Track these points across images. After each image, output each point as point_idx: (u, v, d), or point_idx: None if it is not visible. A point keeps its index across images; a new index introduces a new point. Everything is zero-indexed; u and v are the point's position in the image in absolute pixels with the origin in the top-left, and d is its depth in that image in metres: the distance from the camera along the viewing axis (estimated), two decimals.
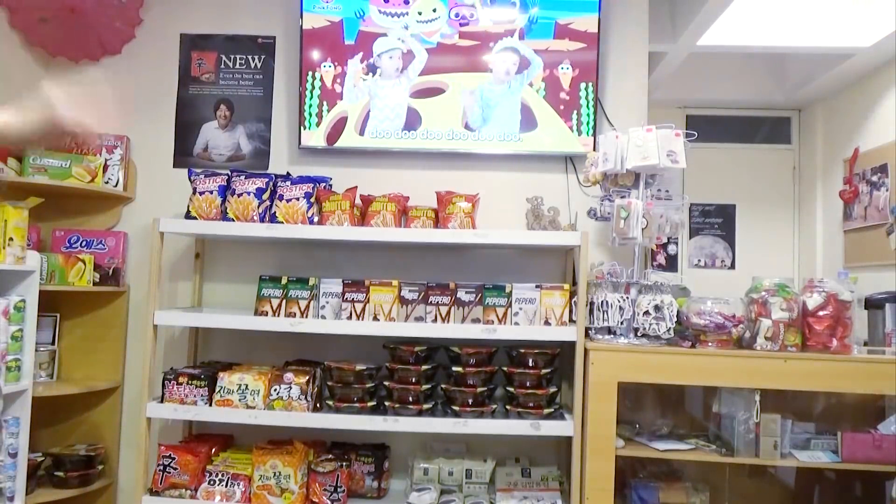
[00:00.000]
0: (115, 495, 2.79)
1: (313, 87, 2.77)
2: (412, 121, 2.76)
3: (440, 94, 2.76)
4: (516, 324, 2.39)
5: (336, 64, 2.77)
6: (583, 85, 2.74)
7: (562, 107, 2.75)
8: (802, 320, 2.27)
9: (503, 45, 2.75)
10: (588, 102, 2.74)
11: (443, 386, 2.46)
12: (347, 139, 2.77)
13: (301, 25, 2.76)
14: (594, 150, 2.64)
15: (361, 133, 2.77)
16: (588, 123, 2.74)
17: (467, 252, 2.79)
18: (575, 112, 2.74)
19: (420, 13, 2.75)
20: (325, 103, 2.77)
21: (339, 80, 2.77)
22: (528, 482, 2.52)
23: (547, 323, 2.39)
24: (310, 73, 2.76)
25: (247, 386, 2.39)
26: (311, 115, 2.77)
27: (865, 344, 2.54)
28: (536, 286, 2.42)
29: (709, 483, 2.52)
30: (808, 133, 4.45)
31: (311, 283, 2.44)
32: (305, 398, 2.38)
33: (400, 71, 2.76)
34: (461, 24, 2.75)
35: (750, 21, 3.44)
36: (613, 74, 2.84)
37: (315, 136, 2.77)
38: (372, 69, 2.77)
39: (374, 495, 2.53)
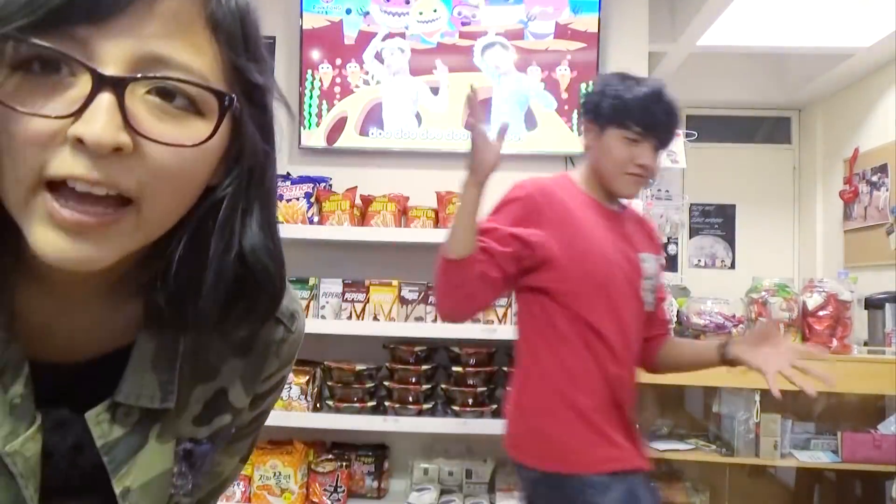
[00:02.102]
0: None
1: (313, 87, 2.77)
2: (412, 121, 2.76)
3: (440, 93, 2.76)
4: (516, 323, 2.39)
5: (335, 64, 2.77)
6: (583, 85, 2.74)
7: (563, 106, 2.75)
8: (802, 320, 2.27)
9: (502, 44, 2.75)
10: None
11: (443, 386, 2.46)
12: (347, 139, 2.77)
13: (301, 25, 2.76)
14: None
15: (361, 133, 2.77)
16: None
17: None
18: (575, 112, 2.74)
19: (421, 13, 2.75)
20: (324, 103, 2.77)
21: (338, 80, 2.77)
22: None
23: None
24: (309, 72, 2.76)
25: None
26: (310, 114, 2.77)
27: (865, 344, 2.55)
28: None
29: (709, 483, 2.52)
30: (808, 133, 4.44)
31: (311, 283, 2.44)
32: (305, 398, 2.38)
33: (402, 69, 2.76)
34: (463, 24, 2.75)
35: (750, 21, 3.44)
36: None
37: (315, 136, 2.77)
38: (375, 63, 2.76)
39: (374, 495, 2.52)
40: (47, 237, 0.43)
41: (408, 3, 2.76)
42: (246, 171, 0.51)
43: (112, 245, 0.45)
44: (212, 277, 0.50)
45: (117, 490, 0.53)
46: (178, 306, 0.51)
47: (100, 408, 0.53)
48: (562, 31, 2.75)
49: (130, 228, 0.45)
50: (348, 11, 2.76)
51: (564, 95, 2.75)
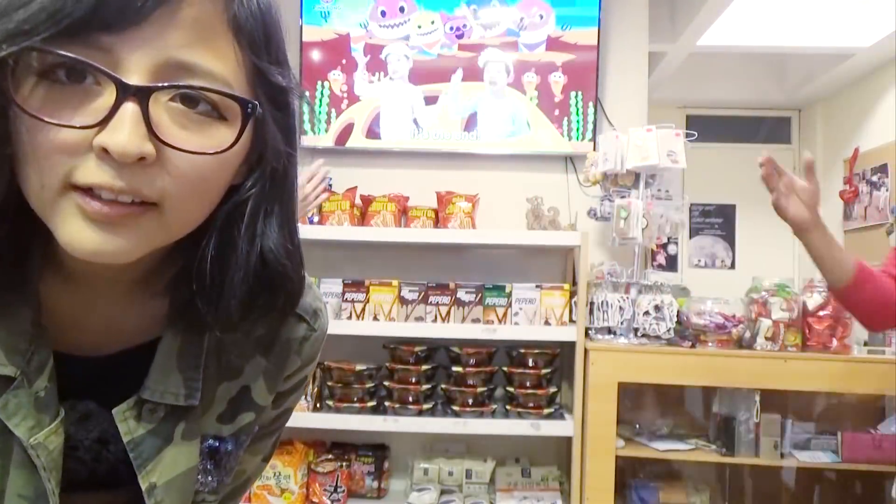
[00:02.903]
0: None
1: (322, 96, 2.79)
2: (414, 126, 2.79)
3: (440, 101, 2.78)
4: (516, 324, 2.39)
5: (343, 73, 2.80)
6: (572, 94, 2.76)
7: (553, 114, 2.77)
8: (802, 320, 2.27)
9: (497, 57, 2.77)
10: (578, 110, 2.76)
11: (443, 386, 2.46)
12: (354, 143, 2.80)
13: (301, 38, 2.78)
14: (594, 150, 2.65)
15: (367, 137, 2.80)
16: (578, 129, 2.76)
17: (467, 252, 2.79)
18: (565, 119, 2.76)
19: (419, 27, 2.78)
20: (333, 111, 2.80)
21: (345, 89, 2.80)
22: (528, 482, 2.52)
23: (547, 323, 2.39)
24: (319, 81, 2.79)
25: None
26: (320, 121, 2.80)
27: (865, 344, 2.54)
28: (536, 286, 2.42)
29: (709, 483, 2.52)
30: (808, 133, 4.45)
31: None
32: (305, 398, 2.38)
33: (405, 75, 2.77)
34: (458, 37, 2.78)
35: (750, 21, 3.44)
36: (613, 74, 2.84)
37: (323, 142, 2.82)
38: (378, 73, 2.79)
39: (374, 495, 2.53)
40: (77, 231, 0.44)
41: (402, 11, 2.78)
42: (268, 172, 0.52)
43: (138, 240, 0.46)
44: (237, 276, 0.51)
45: (143, 486, 0.54)
46: (203, 303, 0.52)
47: (126, 404, 0.54)
48: (553, 44, 2.77)
49: (154, 227, 0.46)
50: (353, 24, 2.80)
51: (557, 101, 2.76)
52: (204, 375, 0.57)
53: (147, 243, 0.47)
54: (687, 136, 2.41)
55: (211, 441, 0.59)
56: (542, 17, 2.76)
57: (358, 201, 2.57)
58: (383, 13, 2.79)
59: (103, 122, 0.42)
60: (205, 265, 0.51)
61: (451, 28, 2.78)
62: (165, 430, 0.55)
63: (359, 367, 2.42)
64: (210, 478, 0.59)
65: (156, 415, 0.54)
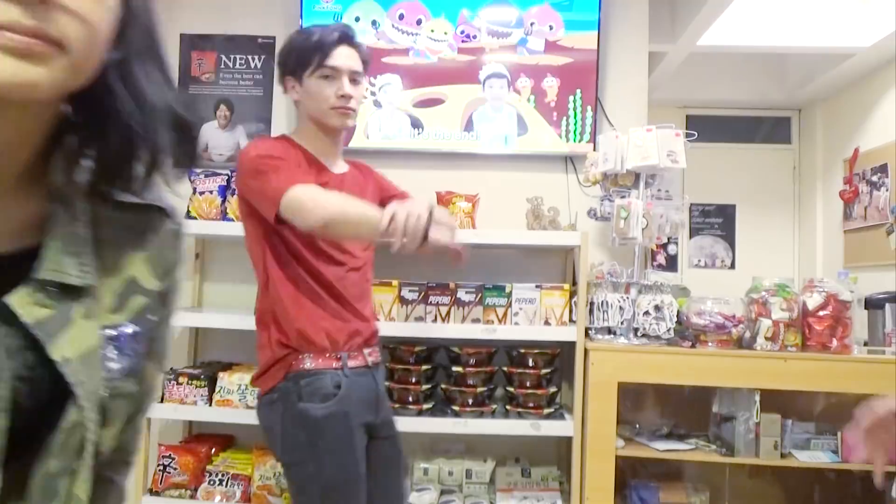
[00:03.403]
0: None
1: None
2: (414, 126, 2.79)
3: (440, 104, 2.78)
4: (516, 324, 2.39)
5: None
6: (570, 97, 2.76)
7: (551, 116, 2.78)
8: (802, 320, 2.27)
9: (495, 68, 2.79)
10: (576, 112, 2.76)
11: (443, 386, 2.46)
12: (355, 143, 2.80)
13: (301, 26, 2.77)
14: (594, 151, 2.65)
15: (368, 138, 2.80)
16: (576, 131, 2.76)
17: (467, 252, 2.79)
18: (563, 119, 2.77)
19: (432, 31, 2.80)
20: None
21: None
22: (528, 482, 2.52)
23: (547, 323, 2.39)
24: None
25: (247, 386, 2.39)
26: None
27: (865, 344, 2.54)
28: (536, 286, 2.42)
29: (709, 483, 2.52)
30: (808, 133, 4.44)
31: None
32: None
33: (401, 71, 2.78)
34: (463, 41, 2.79)
35: (750, 21, 3.44)
36: (613, 74, 2.84)
37: None
38: (380, 74, 2.80)
39: None
40: None
41: (419, 23, 2.80)
42: (142, 30, 0.58)
43: (49, 74, 0.50)
44: (138, 122, 0.57)
45: (57, 358, 0.53)
46: (108, 167, 0.57)
47: (22, 289, 0.53)
48: (551, 47, 2.78)
49: (62, 66, 0.50)
50: (357, 19, 2.80)
51: (553, 105, 2.76)
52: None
53: (57, 81, 0.50)
54: (687, 136, 2.41)
55: (109, 330, 0.59)
56: (551, 27, 2.77)
57: None
58: (401, 16, 2.80)
59: None
60: (113, 117, 0.56)
61: (462, 31, 2.80)
62: (65, 313, 0.55)
63: None
64: (116, 365, 0.59)
65: (51, 300, 0.55)
